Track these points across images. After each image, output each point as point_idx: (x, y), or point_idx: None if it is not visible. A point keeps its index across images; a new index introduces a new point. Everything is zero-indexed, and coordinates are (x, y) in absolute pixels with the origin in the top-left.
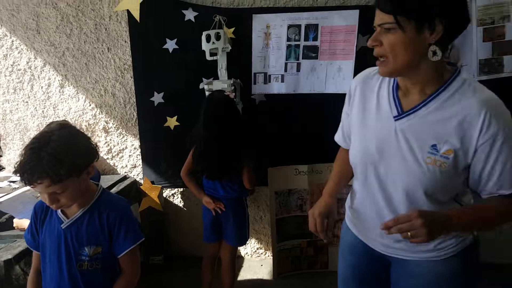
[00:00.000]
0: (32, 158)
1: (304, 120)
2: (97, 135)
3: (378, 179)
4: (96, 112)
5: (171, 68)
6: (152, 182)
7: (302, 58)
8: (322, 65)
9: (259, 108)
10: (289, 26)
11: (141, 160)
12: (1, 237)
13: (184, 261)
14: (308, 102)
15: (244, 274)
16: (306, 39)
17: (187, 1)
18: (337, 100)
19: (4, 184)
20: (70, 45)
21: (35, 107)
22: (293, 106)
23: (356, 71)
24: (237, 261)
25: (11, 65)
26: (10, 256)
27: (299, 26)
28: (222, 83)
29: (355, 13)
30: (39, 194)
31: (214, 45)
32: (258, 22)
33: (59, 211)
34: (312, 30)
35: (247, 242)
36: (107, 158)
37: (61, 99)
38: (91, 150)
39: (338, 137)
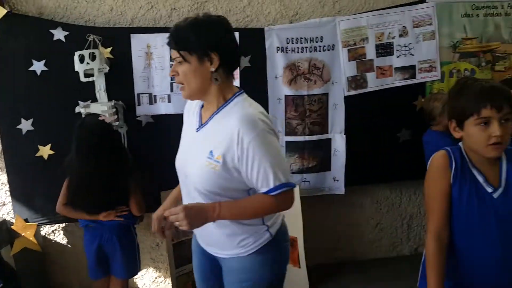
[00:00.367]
0: None
1: None
2: None
3: (185, 182)
4: None
5: (40, 92)
6: (26, 220)
7: None
8: None
9: (146, 130)
10: None
11: (10, 197)
12: None
13: None
14: None
15: None
16: None
17: (56, 19)
18: None
19: None
20: None
21: None
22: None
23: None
24: None
25: None
26: None
27: None
28: (102, 105)
29: (235, 35)
30: None
31: (89, 66)
32: (137, 41)
33: None
34: None
35: (141, 272)
36: None
37: None
38: None
39: None
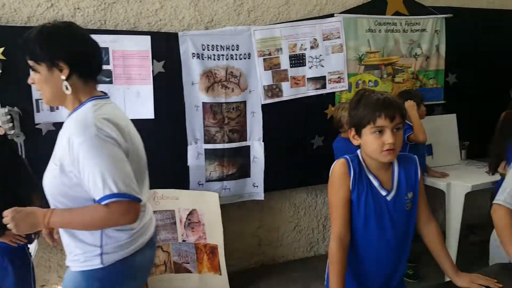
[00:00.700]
0: None
1: None
2: None
3: None
4: None
5: None
6: None
7: None
8: (119, 90)
9: (47, 138)
10: None
11: None
12: None
13: None
14: None
15: None
16: None
17: None
18: (136, 126)
19: None
20: None
21: None
22: None
23: (155, 96)
24: None
25: None
26: None
27: None
28: None
29: (147, 38)
30: None
31: None
32: None
33: None
34: (102, 53)
35: None
36: None
37: None
38: None
39: None
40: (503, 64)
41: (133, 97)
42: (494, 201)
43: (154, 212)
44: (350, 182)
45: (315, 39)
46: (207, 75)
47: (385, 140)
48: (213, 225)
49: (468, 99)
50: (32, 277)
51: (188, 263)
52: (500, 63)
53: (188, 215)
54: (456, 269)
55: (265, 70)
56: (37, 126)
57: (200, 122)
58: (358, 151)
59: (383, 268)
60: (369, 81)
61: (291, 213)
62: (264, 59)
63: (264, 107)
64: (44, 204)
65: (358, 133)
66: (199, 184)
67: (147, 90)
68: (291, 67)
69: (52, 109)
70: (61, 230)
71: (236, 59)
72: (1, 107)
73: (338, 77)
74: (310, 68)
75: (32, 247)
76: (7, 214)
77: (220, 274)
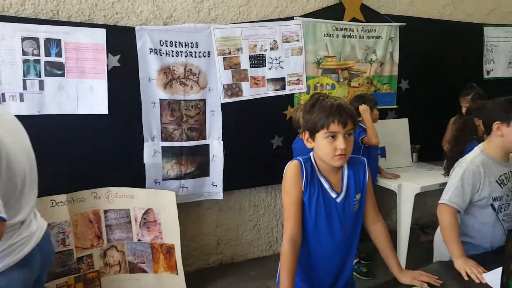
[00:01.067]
0: None
1: (53, 144)
2: None
3: None
4: None
5: None
6: None
7: (46, 75)
8: (71, 84)
9: None
10: (24, 39)
11: None
12: None
13: None
14: (58, 124)
15: None
16: (47, 54)
17: None
18: (89, 122)
19: None
20: None
21: None
22: (38, 129)
23: (110, 91)
24: None
25: None
26: None
27: (37, 39)
28: None
29: (102, 31)
30: None
31: None
32: None
33: None
34: (53, 45)
35: None
36: None
37: None
38: None
39: None
40: (452, 71)
41: (86, 91)
42: (440, 201)
43: (108, 210)
44: (302, 184)
45: (275, 41)
46: (165, 71)
47: (337, 145)
48: (170, 225)
49: (420, 104)
50: None
51: (144, 263)
52: (450, 71)
53: (144, 214)
54: (399, 266)
55: (224, 69)
56: None
57: (157, 119)
58: (311, 153)
59: (332, 266)
60: (327, 84)
61: (250, 212)
62: (224, 58)
63: (224, 106)
64: None
65: (312, 136)
66: (156, 183)
67: (101, 85)
68: (251, 67)
69: None
70: None
71: (195, 57)
72: None
73: (297, 79)
74: (270, 69)
75: None
76: None
77: (177, 274)
